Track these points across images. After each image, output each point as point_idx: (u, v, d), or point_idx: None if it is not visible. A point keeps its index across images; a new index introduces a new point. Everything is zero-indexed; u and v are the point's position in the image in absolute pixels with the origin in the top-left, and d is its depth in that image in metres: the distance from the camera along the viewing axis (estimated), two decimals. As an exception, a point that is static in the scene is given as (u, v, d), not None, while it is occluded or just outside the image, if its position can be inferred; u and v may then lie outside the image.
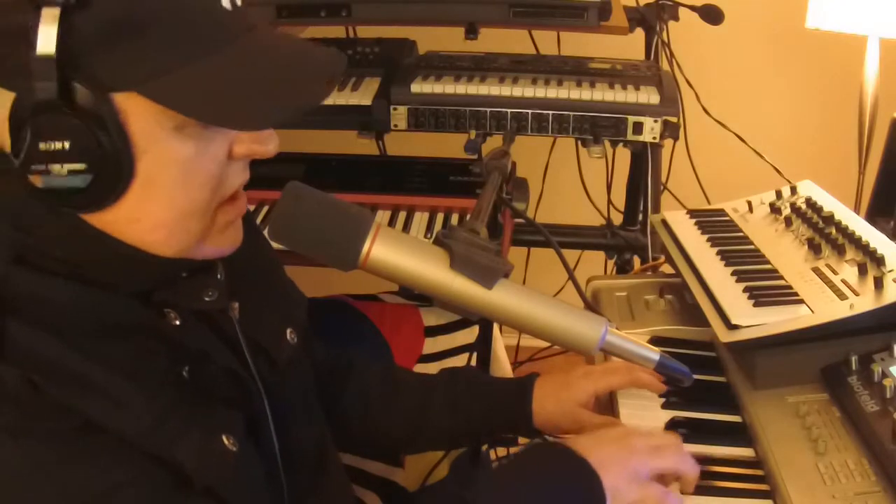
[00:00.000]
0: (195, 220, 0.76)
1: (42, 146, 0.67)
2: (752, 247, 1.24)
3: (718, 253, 1.23)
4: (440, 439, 1.19)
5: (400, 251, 0.82)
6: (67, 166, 0.67)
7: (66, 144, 0.67)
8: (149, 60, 0.68)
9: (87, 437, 0.69)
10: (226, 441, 0.78)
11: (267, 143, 0.77)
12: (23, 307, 0.70)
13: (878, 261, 1.06)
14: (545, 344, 0.92)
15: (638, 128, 1.63)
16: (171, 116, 0.69)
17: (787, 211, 1.28)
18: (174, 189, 0.73)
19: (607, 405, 1.11)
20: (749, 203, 1.36)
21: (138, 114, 0.69)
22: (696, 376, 0.96)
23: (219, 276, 0.85)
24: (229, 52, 0.72)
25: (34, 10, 0.64)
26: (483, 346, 1.51)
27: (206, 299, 0.83)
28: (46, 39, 0.63)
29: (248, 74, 0.73)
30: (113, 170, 0.69)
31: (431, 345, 1.58)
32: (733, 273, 1.16)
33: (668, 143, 1.74)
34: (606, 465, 0.84)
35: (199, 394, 0.78)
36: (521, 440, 1.29)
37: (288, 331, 0.96)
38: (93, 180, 0.68)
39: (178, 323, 0.80)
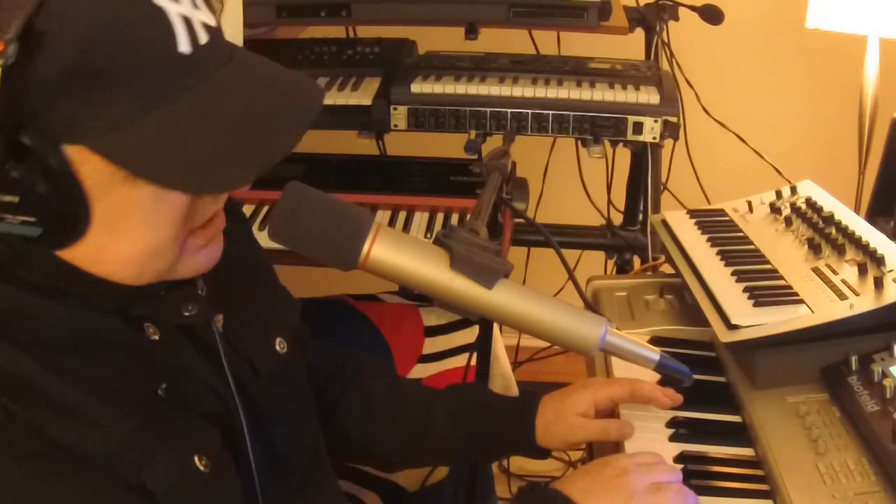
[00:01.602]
0: (164, 253, 0.73)
1: None
2: (752, 247, 1.24)
3: (718, 253, 1.23)
4: (441, 454, 1.17)
5: (400, 251, 0.82)
6: (19, 217, 0.65)
7: (16, 199, 0.64)
8: (97, 115, 0.64)
9: (57, 461, 0.68)
10: (198, 462, 0.77)
11: None
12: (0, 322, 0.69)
13: (878, 261, 1.06)
14: (545, 344, 0.92)
15: (638, 128, 1.63)
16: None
17: (787, 211, 1.28)
18: (137, 231, 0.70)
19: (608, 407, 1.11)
20: (749, 203, 1.36)
21: (90, 164, 0.66)
22: (696, 376, 0.96)
23: (200, 291, 0.84)
24: (186, 105, 0.67)
25: None
26: (483, 346, 1.51)
27: (186, 314, 0.81)
28: None
29: (203, 131, 0.68)
30: (66, 220, 0.67)
31: (431, 345, 1.58)
32: (733, 273, 1.16)
33: (668, 143, 1.74)
34: None
35: (174, 411, 0.77)
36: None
37: (277, 340, 0.94)
38: (46, 229, 0.66)
39: (156, 338, 0.79)
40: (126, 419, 0.73)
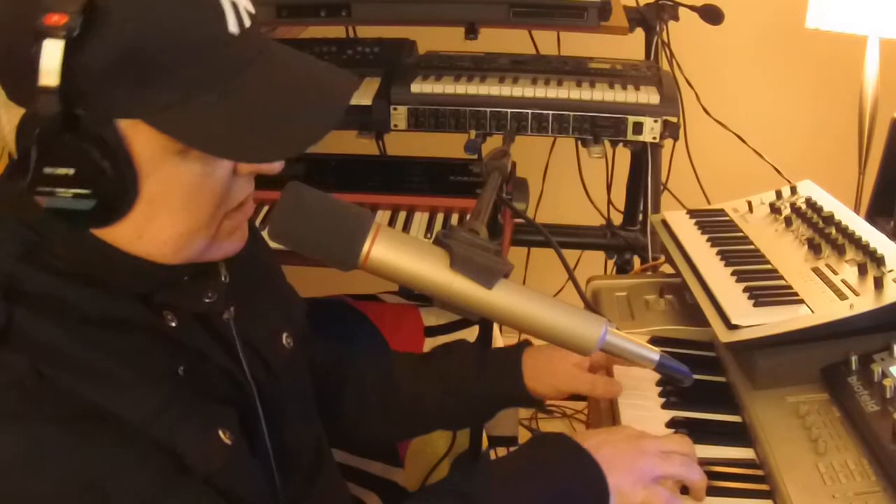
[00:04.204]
0: (201, 233, 0.76)
1: (47, 170, 0.67)
2: (752, 247, 1.24)
3: (718, 253, 1.23)
4: (439, 423, 1.19)
5: (400, 251, 0.82)
6: (72, 190, 0.68)
7: (71, 171, 0.67)
8: (155, 92, 0.67)
9: (91, 422, 0.70)
10: (222, 435, 0.79)
11: (272, 162, 0.77)
12: (29, 300, 0.71)
13: (878, 261, 1.06)
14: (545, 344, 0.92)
15: (638, 128, 1.63)
16: (174, 141, 0.70)
17: (787, 211, 1.28)
18: (179, 208, 0.73)
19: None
20: (749, 203, 1.36)
21: (143, 139, 0.69)
22: (696, 376, 0.96)
23: (222, 279, 0.87)
24: (237, 82, 0.71)
25: (39, 41, 0.63)
26: (483, 346, 1.51)
27: (206, 300, 0.84)
28: (50, 70, 0.63)
29: (255, 107, 0.72)
30: (117, 193, 0.69)
31: (431, 345, 1.58)
32: (733, 273, 1.16)
33: (668, 143, 1.74)
34: (613, 465, 0.84)
35: (194, 392, 0.79)
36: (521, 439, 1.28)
37: (284, 335, 0.96)
38: (97, 203, 0.69)
39: (174, 325, 0.80)
40: (156, 387, 0.75)
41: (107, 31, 0.65)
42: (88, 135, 0.66)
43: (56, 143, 0.66)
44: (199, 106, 0.69)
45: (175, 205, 0.73)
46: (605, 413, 1.11)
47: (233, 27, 0.71)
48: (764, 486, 0.93)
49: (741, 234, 1.29)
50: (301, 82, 0.78)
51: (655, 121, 1.62)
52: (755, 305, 1.07)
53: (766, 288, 1.10)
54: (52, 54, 0.63)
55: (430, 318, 1.61)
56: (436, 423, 1.21)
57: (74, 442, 0.69)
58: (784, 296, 1.07)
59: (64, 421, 0.69)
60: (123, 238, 0.74)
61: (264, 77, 0.74)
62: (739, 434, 1.02)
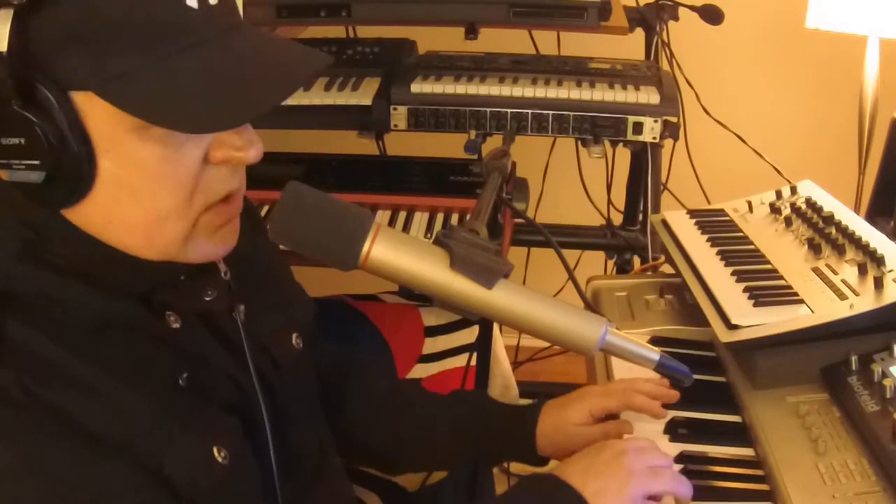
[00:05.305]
0: (171, 224, 0.74)
1: (2, 141, 0.67)
2: (752, 247, 1.24)
3: (718, 253, 1.23)
4: (443, 460, 1.18)
5: (400, 251, 0.82)
6: (25, 161, 0.68)
7: (21, 140, 0.67)
8: (105, 62, 0.67)
9: (78, 442, 0.69)
10: (216, 453, 0.77)
11: (246, 150, 0.75)
12: (24, 305, 0.70)
13: (878, 261, 1.06)
14: (545, 344, 0.92)
15: (638, 128, 1.63)
16: (130, 117, 0.68)
17: (787, 211, 1.28)
18: (142, 192, 0.72)
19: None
20: (749, 203, 1.36)
21: (97, 114, 0.68)
22: (696, 376, 0.96)
23: (223, 275, 0.86)
24: (188, 55, 0.70)
25: None
26: (483, 346, 1.51)
27: (206, 299, 0.83)
28: (0, 37, 0.64)
29: (203, 79, 0.70)
30: (70, 168, 0.69)
31: (431, 345, 1.58)
32: (733, 273, 1.16)
33: (668, 143, 1.74)
34: (602, 497, 0.82)
35: (195, 401, 0.78)
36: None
37: (294, 335, 0.96)
38: (51, 176, 0.68)
39: (177, 326, 0.80)
40: (148, 403, 0.73)
41: (54, 3, 0.65)
42: (41, 105, 0.66)
43: (7, 112, 0.66)
44: (146, 76, 0.68)
45: (137, 188, 0.71)
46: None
47: (191, 1, 0.70)
48: (764, 486, 0.93)
49: (741, 234, 1.29)
50: (260, 59, 0.75)
51: (655, 121, 1.62)
52: (755, 305, 1.07)
53: (766, 288, 1.10)
54: (2, 22, 0.64)
55: (430, 318, 1.61)
56: (436, 463, 1.21)
57: (60, 463, 0.68)
58: (784, 296, 1.07)
59: (51, 440, 0.68)
60: (94, 223, 0.73)
61: (220, 52, 0.72)
62: (739, 434, 1.02)
